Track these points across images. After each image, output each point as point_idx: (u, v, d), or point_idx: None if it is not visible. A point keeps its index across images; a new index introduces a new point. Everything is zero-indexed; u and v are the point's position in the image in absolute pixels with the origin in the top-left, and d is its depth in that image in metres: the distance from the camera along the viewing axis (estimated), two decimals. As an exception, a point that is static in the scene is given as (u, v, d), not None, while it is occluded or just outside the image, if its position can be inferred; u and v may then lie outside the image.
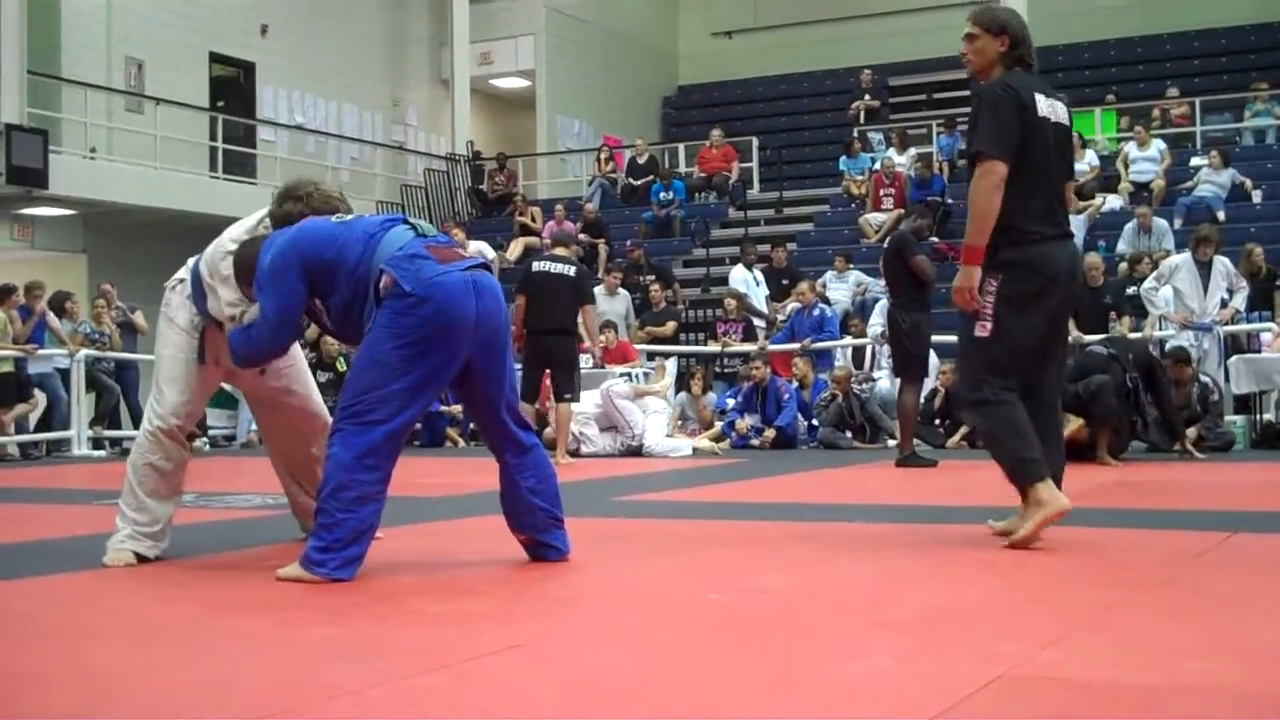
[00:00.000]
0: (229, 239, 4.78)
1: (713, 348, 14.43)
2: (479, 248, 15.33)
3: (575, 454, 11.37)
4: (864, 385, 12.89)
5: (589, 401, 11.59)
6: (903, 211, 17.42)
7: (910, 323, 9.58)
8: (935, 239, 17.06)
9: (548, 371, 10.66)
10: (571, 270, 10.57)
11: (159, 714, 2.51)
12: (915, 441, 9.85)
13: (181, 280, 4.92)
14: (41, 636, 3.43)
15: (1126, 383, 9.44)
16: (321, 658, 3.02)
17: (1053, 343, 4.99)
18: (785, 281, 15.74)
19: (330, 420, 4.91)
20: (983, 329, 4.83)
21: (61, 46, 17.36)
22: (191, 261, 4.95)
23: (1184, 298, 11.62)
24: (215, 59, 19.86)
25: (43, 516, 6.92)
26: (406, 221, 4.48)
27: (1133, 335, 11.46)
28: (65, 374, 13.30)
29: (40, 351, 13.13)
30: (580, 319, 10.66)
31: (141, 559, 4.68)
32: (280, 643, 3.27)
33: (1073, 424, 8.90)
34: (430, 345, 4.18)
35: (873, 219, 17.70)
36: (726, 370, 14.38)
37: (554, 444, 10.75)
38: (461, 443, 13.89)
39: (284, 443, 5.19)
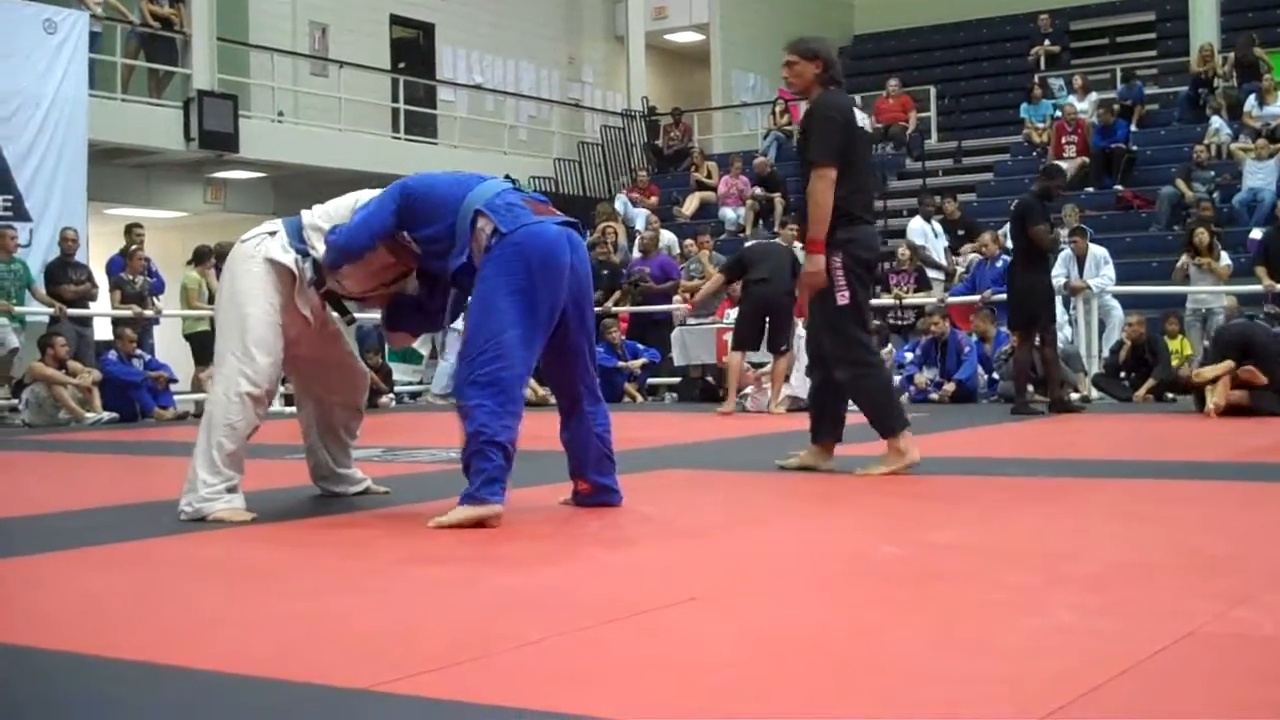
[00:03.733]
0: (321, 217, 4.89)
1: (887, 300, 14.11)
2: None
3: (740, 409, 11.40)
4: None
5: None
6: (1085, 160, 16.98)
7: (1025, 284, 10.00)
8: (1120, 186, 16.62)
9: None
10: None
11: (354, 657, 2.60)
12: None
13: (273, 232, 4.84)
14: (236, 583, 3.56)
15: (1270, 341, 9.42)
16: (504, 607, 3.09)
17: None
18: (960, 233, 15.44)
19: (366, 373, 5.34)
20: (843, 298, 5.67)
21: (249, 14, 17.82)
22: (279, 223, 4.92)
23: None
24: (395, 21, 20.18)
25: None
26: (507, 179, 4.78)
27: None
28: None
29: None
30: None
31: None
32: (464, 592, 3.35)
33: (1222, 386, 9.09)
34: (538, 290, 4.41)
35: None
36: (901, 323, 14.14)
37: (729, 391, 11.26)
38: (640, 398, 13.99)
39: (322, 403, 5.14)
